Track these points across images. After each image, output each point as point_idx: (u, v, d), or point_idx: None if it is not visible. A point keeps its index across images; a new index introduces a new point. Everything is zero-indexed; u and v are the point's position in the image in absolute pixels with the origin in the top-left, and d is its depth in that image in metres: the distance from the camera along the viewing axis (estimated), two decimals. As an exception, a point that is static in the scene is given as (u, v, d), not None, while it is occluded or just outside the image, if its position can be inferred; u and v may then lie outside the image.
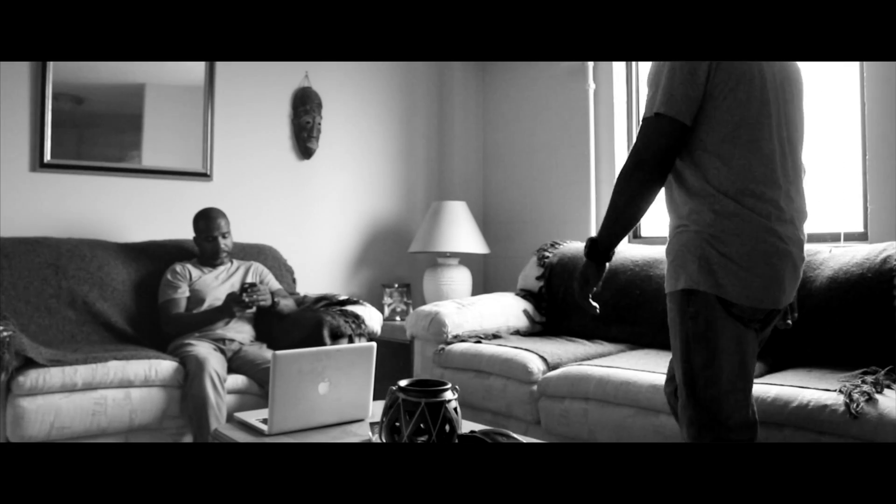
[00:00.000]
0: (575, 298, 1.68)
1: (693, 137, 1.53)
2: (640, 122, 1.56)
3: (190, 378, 2.43)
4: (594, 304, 1.67)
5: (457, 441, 1.58)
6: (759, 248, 1.47)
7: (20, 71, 2.96)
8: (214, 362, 2.47)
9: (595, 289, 1.65)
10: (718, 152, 1.51)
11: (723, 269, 1.47)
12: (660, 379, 2.15)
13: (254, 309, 2.81)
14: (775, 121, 1.54)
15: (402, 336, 3.35)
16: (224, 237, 2.93)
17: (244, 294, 2.70)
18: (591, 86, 3.60)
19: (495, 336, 2.95)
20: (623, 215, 1.56)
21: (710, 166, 1.51)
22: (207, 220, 2.93)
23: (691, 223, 1.52)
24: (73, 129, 3.08)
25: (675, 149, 1.52)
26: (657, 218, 3.30)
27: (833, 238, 2.73)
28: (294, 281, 3.36)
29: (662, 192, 1.61)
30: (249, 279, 2.99)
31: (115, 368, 2.35)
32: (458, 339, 2.87)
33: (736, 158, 1.50)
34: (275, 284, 3.08)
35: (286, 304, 2.96)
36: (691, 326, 1.51)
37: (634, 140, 1.56)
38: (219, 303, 2.81)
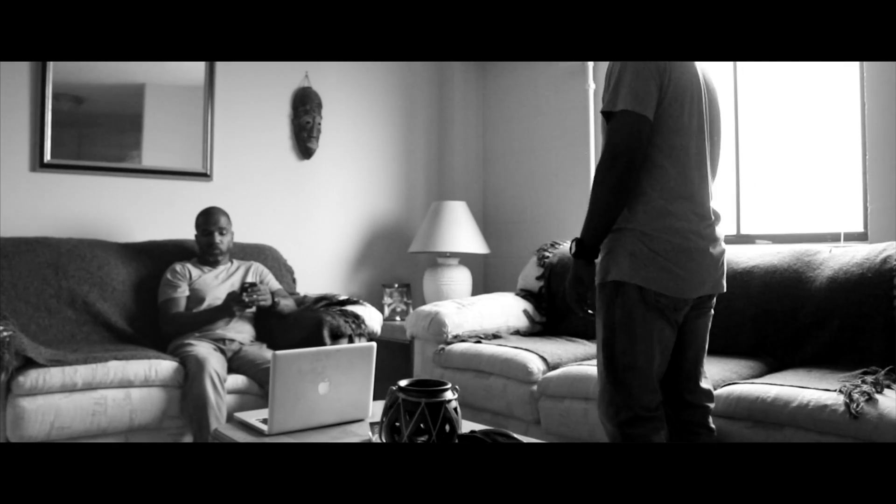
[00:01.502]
0: (568, 302, 1.73)
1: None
2: (606, 118, 1.63)
3: (190, 378, 2.43)
4: (589, 310, 1.73)
5: (456, 441, 1.58)
6: (683, 246, 1.63)
7: (20, 71, 2.96)
8: (214, 362, 2.47)
9: (588, 291, 1.70)
10: (655, 156, 1.63)
11: (652, 264, 1.62)
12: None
13: (254, 309, 2.81)
14: (705, 132, 1.69)
15: (402, 336, 3.35)
16: (222, 234, 2.93)
17: (244, 294, 2.70)
18: (591, 86, 3.60)
19: (495, 336, 2.95)
20: (606, 210, 1.63)
21: (654, 171, 1.64)
22: (207, 216, 2.94)
23: (625, 222, 1.65)
24: (73, 129, 3.08)
25: (644, 143, 1.61)
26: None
27: (833, 238, 2.73)
28: (294, 281, 3.36)
29: None
30: (249, 279, 2.99)
31: (115, 368, 2.35)
32: (458, 339, 2.87)
33: (670, 163, 1.64)
34: (275, 284, 3.08)
35: (286, 303, 2.96)
36: (617, 315, 1.65)
37: (605, 136, 1.63)
38: (218, 302, 2.81)
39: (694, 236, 1.64)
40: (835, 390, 1.84)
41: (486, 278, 4.18)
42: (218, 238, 2.91)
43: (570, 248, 1.68)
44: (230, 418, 2.23)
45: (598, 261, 1.70)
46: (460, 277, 3.71)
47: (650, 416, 1.65)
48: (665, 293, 1.62)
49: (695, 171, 1.66)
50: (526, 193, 3.98)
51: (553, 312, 3.21)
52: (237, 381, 2.59)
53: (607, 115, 1.62)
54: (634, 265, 1.62)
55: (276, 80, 3.63)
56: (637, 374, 1.64)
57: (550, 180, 3.84)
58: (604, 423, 1.72)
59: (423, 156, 4.19)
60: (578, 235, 1.67)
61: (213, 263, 2.95)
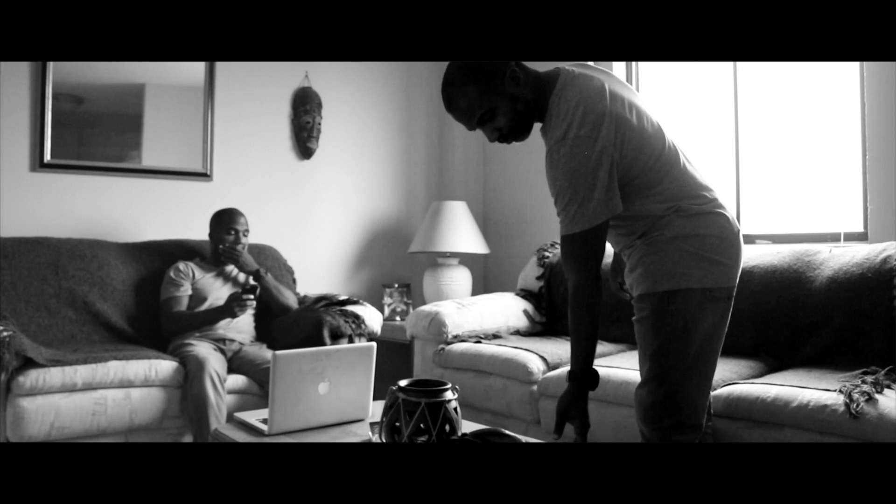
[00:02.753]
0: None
1: (628, 190, 1.59)
2: (563, 239, 1.58)
3: (190, 378, 2.43)
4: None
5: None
6: (722, 235, 1.60)
7: (20, 71, 2.97)
8: (214, 362, 2.47)
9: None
10: (651, 180, 1.60)
11: (701, 262, 1.56)
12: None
13: (254, 309, 2.82)
14: (669, 142, 1.66)
15: (402, 336, 3.35)
16: (244, 235, 2.96)
17: (245, 294, 2.71)
18: (591, 86, 3.59)
19: (495, 336, 2.95)
20: (586, 331, 1.59)
21: (654, 191, 1.60)
22: (231, 216, 2.96)
23: (658, 231, 1.60)
24: (73, 129, 3.08)
25: (599, 243, 1.57)
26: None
27: (833, 238, 2.73)
28: (294, 281, 3.36)
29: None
30: (251, 280, 2.99)
31: (115, 368, 2.35)
32: (458, 339, 2.87)
33: (669, 177, 1.61)
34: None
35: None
36: (671, 323, 1.56)
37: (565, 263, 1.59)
38: (220, 303, 2.81)
39: (727, 223, 1.62)
40: (835, 390, 1.84)
41: (486, 278, 4.18)
42: (243, 239, 2.94)
43: (568, 377, 1.63)
44: (230, 418, 2.23)
45: (634, 272, 1.64)
46: (460, 277, 3.71)
47: (699, 423, 1.60)
48: (718, 286, 1.57)
49: (681, 160, 1.65)
50: (526, 193, 3.98)
51: (553, 312, 3.21)
52: (237, 381, 2.59)
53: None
54: (685, 270, 1.56)
55: (276, 80, 3.63)
56: (694, 378, 1.58)
57: (550, 180, 3.84)
58: (646, 429, 1.63)
59: (423, 156, 4.19)
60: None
61: (226, 254, 2.93)
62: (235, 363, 2.70)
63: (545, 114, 1.61)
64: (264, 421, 1.84)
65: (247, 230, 2.99)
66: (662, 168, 1.62)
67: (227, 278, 2.96)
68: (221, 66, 3.45)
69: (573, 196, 1.52)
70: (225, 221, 2.95)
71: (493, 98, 1.56)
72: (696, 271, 1.56)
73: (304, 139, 3.66)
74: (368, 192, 3.97)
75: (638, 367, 1.67)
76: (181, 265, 2.90)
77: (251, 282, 2.96)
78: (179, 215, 3.28)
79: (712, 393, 2.06)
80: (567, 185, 1.52)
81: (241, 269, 2.94)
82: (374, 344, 1.97)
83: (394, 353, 3.64)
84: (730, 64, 3.16)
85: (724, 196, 1.71)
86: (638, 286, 1.62)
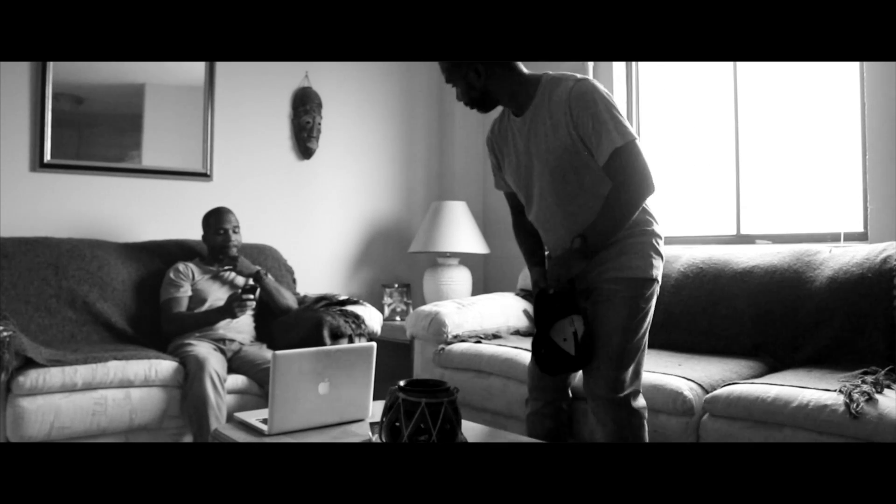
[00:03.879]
0: (550, 284, 1.85)
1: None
2: (619, 151, 1.75)
3: (190, 378, 2.43)
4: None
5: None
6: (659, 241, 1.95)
7: (20, 71, 2.96)
8: (214, 362, 2.47)
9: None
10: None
11: (660, 259, 1.92)
12: (660, 379, 2.15)
13: (254, 310, 2.82)
14: None
15: (402, 336, 3.35)
16: (235, 231, 2.95)
17: (245, 295, 2.71)
18: (591, 86, 3.59)
19: (495, 336, 2.95)
20: (620, 227, 1.83)
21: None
22: (218, 215, 2.95)
23: (645, 225, 1.89)
24: (73, 129, 3.08)
25: None
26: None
27: (833, 238, 2.73)
28: (294, 281, 3.36)
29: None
30: (251, 280, 2.99)
31: (115, 368, 2.34)
32: (459, 339, 2.87)
33: None
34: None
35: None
36: (644, 307, 1.87)
37: (630, 165, 1.76)
38: (220, 303, 2.81)
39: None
40: (835, 390, 1.84)
41: (486, 278, 4.18)
42: (233, 237, 2.93)
43: (575, 244, 1.80)
44: (230, 418, 2.22)
45: (612, 254, 1.87)
46: (460, 277, 3.71)
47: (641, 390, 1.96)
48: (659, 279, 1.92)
49: None
50: (526, 193, 3.97)
51: (553, 312, 3.20)
52: (237, 381, 2.59)
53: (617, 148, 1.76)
54: (657, 265, 1.89)
55: (276, 80, 3.63)
56: (641, 356, 1.91)
57: (550, 180, 3.84)
58: (605, 397, 1.88)
59: (423, 156, 4.19)
60: (583, 241, 1.79)
61: (223, 262, 2.94)
62: (235, 363, 2.70)
63: (524, 97, 1.91)
64: (264, 421, 1.84)
65: (237, 227, 2.98)
66: None
67: (227, 279, 2.96)
68: (221, 66, 3.45)
69: (618, 113, 1.78)
70: (213, 223, 2.95)
71: (454, 79, 1.92)
72: (660, 269, 1.90)
73: (304, 139, 3.66)
74: (368, 192, 3.97)
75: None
76: (181, 266, 2.90)
77: (251, 282, 2.96)
78: (179, 215, 3.28)
79: (712, 393, 2.06)
80: (609, 106, 1.78)
81: (240, 274, 2.94)
82: (374, 344, 1.97)
83: (394, 353, 3.64)
84: (730, 64, 3.16)
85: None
86: (615, 270, 1.86)
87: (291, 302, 3.05)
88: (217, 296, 2.87)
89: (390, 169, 4.05)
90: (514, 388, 2.52)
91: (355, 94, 3.91)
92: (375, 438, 1.68)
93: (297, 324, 2.90)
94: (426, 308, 2.99)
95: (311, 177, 3.75)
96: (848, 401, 1.76)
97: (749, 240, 3.02)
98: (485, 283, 4.16)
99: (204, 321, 2.78)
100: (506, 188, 2.11)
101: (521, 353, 2.58)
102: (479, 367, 2.67)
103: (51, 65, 2.99)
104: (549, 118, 1.84)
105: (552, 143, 1.83)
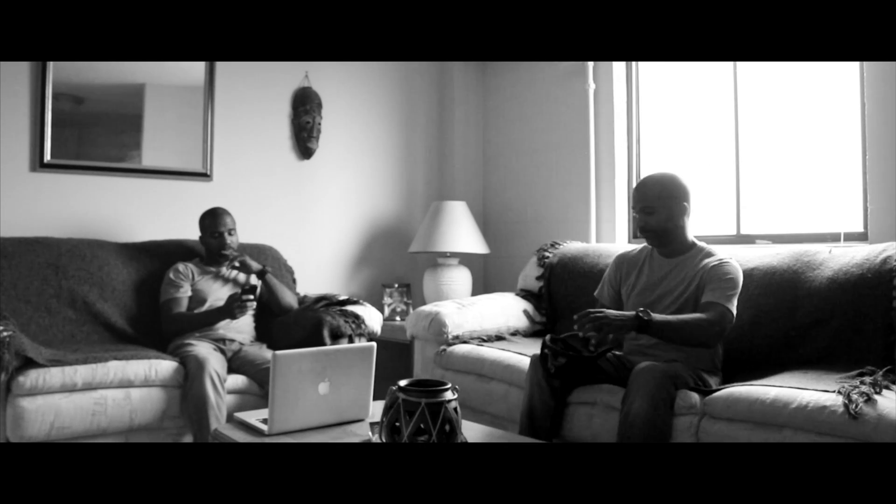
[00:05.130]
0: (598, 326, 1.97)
1: None
2: (722, 309, 2.14)
3: (190, 378, 2.43)
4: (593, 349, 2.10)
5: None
6: None
7: (20, 71, 2.96)
8: (214, 362, 2.47)
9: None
10: None
11: None
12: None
13: (254, 310, 2.82)
14: None
15: (402, 336, 3.35)
16: (231, 234, 2.94)
17: (244, 295, 2.71)
18: (591, 86, 3.60)
19: (498, 337, 2.94)
20: (681, 340, 2.12)
21: None
22: (213, 217, 2.94)
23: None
24: (73, 129, 3.08)
25: None
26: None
27: (833, 238, 2.73)
28: (294, 281, 3.36)
29: None
30: (252, 280, 2.99)
31: (115, 368, 2.35)
32: (459, 339, 2.86)
33: None
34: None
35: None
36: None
37: (722, 316, 2.13)
38: (220, 303, 2.80)
39: None
40: (834, 391, 1.84)
41: (486, 278, 4.18)
42: (229, 239, 2.93)
43: (637, 317, 2.00)
44: (230, 418, 2.23)
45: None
46: (460, 277, 3.71)
47: None
48: None
49: None
50: (526, 193, 3.98)
51: (553, 313, 3.20)
52: (237, 381, 2.60)
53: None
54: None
55: (276, 80, 3.63)
56: None
57: (550, 180, 3.84)
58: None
59: (423, 156, 4.19)
60: (648, 316, 2.00)
61: (222, 263, 2.94)
62: (235, 363, 2.70)
63: (680, 249, 2.37)
64: (264, 421, 1.84)
65: (233, 228, 2.97)
66: None
67: (227, 279, 2.96)
68: (221, 66, 3.45)
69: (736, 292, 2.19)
70: (207, 226, 2.94)
71: (659, 205, 2.29)
72: None
73: (304, 139, 3.66)
74: (368, 192, 3.97)
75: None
76: (180, 266, 2.90)
77: (251, 282, 2.96)
78: (179, 215, 3.28)
79: (711, 395, 2.06)
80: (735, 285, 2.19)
81: (246, 271, 2.93)
82: (374, 344, 1.97)
83: (394, 353, 3.64)
84: (730, 64, 3.16)
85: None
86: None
87: (292, 301, 3.05)
88: (217, 296, 2.87)
89: (390, 169, 4.05)
90: (515, 394, 2.51)
91: (355, 94, 3.91)
92: (375, 438, 1.68)
93: (297, 324, 2.90)
94: (426, 308, 2.99)
95: (311, 177, 3.75)
96: (847, 401, 1.75)
97: (749, 240, 3.02)
98: (485, 283, 4.16)
99: (204, 321, 2.78)
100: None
101: (523, 359, 2.55)
102: (480, 372, 2.66)
103: (51, 65, 2.99)
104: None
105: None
